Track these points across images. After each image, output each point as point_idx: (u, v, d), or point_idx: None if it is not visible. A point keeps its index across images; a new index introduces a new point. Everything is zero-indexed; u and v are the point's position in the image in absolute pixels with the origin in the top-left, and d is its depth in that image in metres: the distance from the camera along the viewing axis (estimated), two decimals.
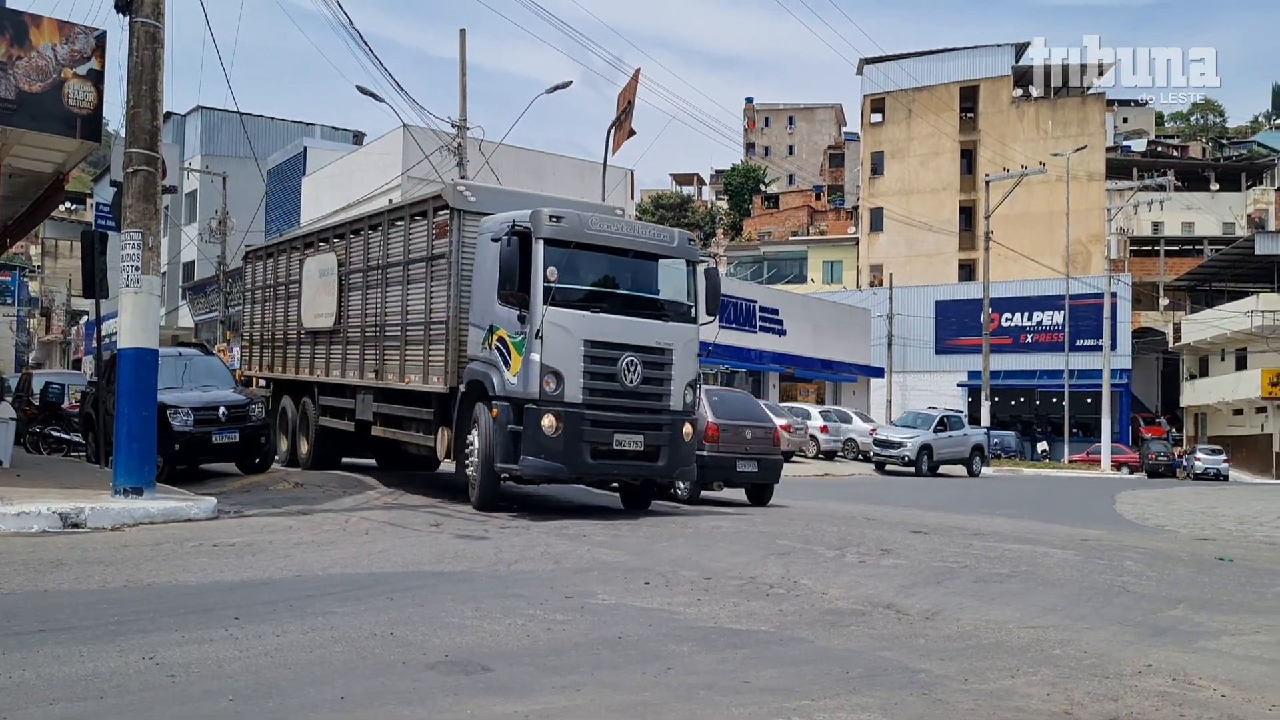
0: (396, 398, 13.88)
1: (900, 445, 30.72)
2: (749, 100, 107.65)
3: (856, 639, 5.72)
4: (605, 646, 5.17)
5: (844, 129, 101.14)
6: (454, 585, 6.93)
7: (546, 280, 11.26)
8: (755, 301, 41.59)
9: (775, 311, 42.32)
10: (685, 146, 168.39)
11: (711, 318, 12.62)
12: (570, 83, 26.20)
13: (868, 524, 12.75)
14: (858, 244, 68.83)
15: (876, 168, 66.61)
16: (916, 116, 63.59)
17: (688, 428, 12.22)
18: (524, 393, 11.23)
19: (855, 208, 75.46)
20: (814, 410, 36.10)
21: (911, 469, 30.46)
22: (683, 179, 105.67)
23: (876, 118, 67.22)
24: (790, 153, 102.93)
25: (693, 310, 12.53)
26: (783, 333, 42.24)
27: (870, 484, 24.79)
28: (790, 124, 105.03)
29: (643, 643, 5.32)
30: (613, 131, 24.42)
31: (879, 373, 52.02)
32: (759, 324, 41.09)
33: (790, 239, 78.66)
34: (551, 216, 11.41)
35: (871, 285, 62.42)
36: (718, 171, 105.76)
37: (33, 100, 11.29)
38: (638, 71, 24.84)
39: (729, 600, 6.77)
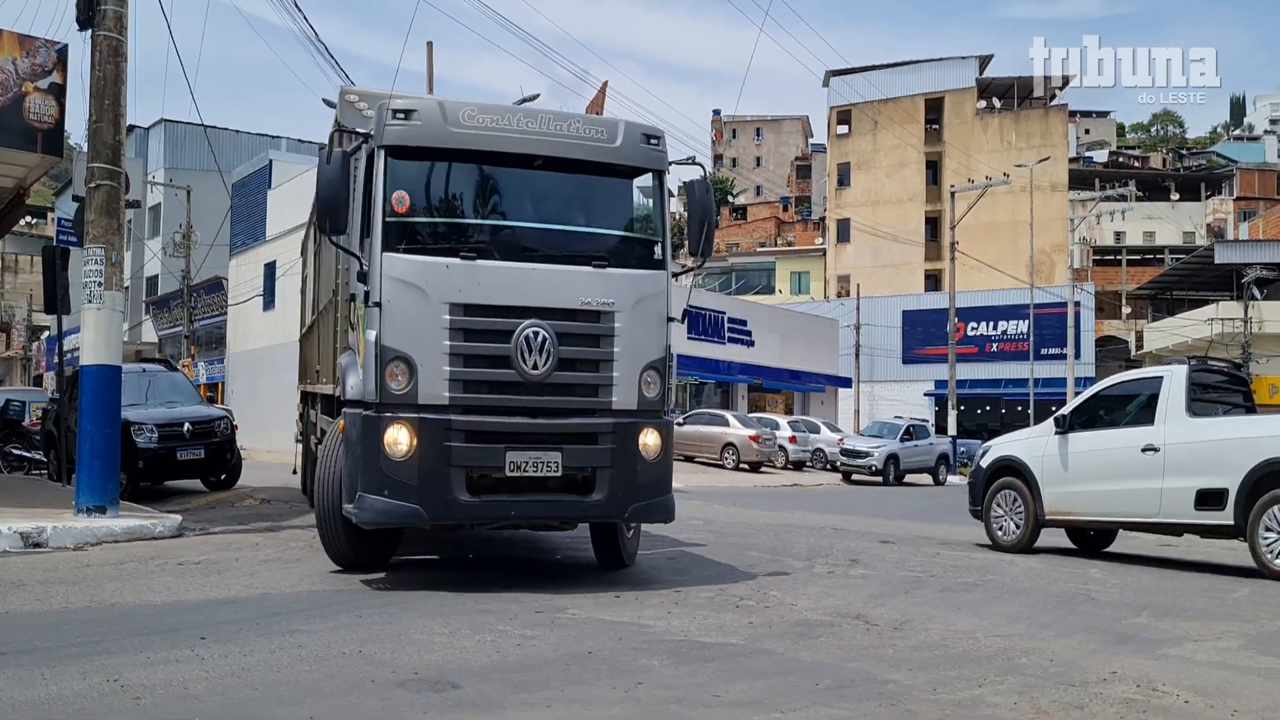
0: (320, 405, 11.20)
1: (867, 455, 30.86)
2: (716, 112, 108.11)
3: (826, 650, 5.75)
4: (575, 662, 5.17)
5: (811, 140, 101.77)
6: (423, 602, 6.90)
7: (393, 213, 7.30)
8: (724, 313, 41.71)
9: (744, 322, 42.48)
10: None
11: (700, 260, 8.18)
12: (538, 95, 26.26)
13: (836, 534, 12.81)
14: (825, 255, 69.24)
15: (843, 179, 67.10)
16: (882, 128, 64.14)
17: (650, 437, 7.60)
18: (363, 393, 7.27)
19: (822, 219, 75.92)
20: (783, 421, 36.23)
21: (879, 478, 30.61)
22: None
23: (843, 129, 67.72)
24: (758, 164, 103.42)
25: (656, 249, 7.89)
26: (751, 344, 42.40)
27: (838, 494, 24.90)
28: (758, 135, 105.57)
29: (613, 657, 5.32)
30: None
31: (847, 383, 52.33)
32: (727, 335, 41.21)
33: (758, 250, 79.01)
34: (398, 112, 7.34)
35: (839, 296, 62.78)
36: (686, 183, 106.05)
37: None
38: (605, 84, 24.99)
39: (699, 613, 6.79)
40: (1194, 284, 59.00)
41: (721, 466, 30.77)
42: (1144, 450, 10.28)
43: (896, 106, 63.93)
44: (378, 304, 7.17)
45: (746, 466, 30.93)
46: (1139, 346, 60.66)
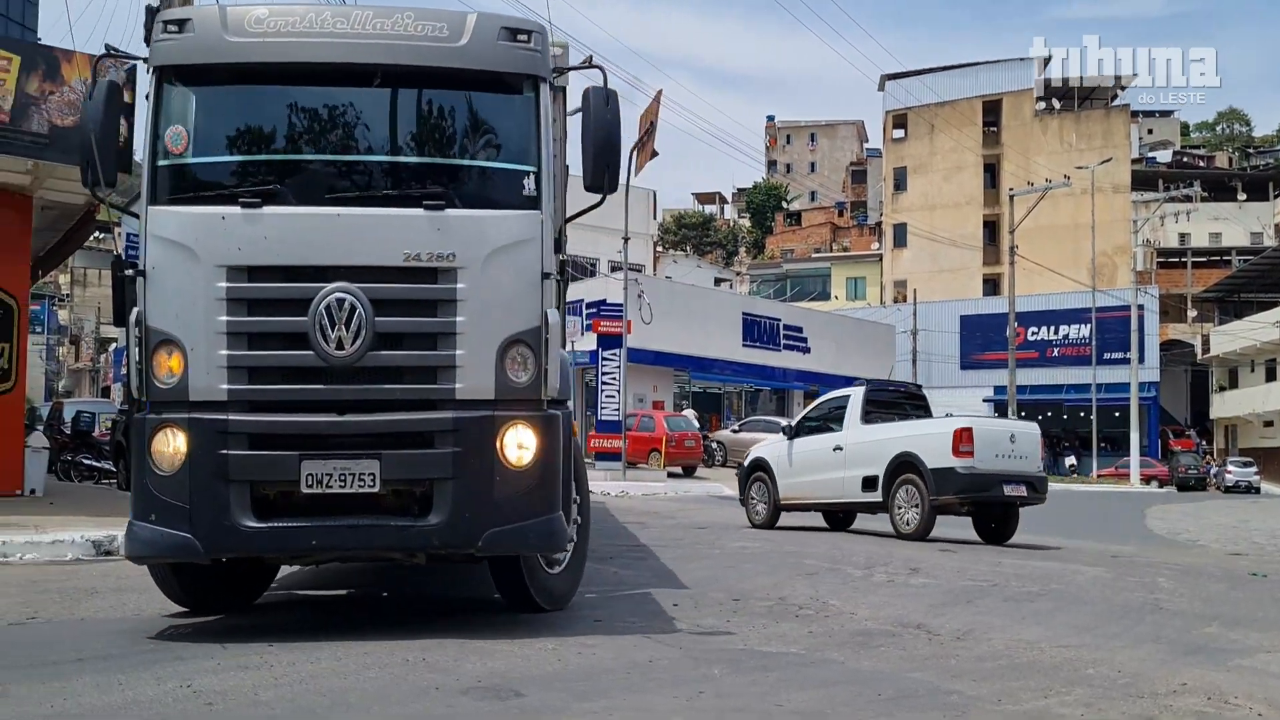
0: None
1: None
2: (770, 118, 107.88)
3: (887, 660, 5.71)
4: (636, 670, 5.19)
5: (866, 145, 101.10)
6: (484, 610, 6.96)
7: (167, 153, 5.82)
8: (779, 320, 41.61)
9: (799, 329, 42.33)
10: (706, 165, 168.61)
11: (600, 197, 6.04)
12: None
13: (894, 542, 12.69)
14: (881, 260, 68.74)
15: (899, 183, 66.61)
16: (939, 131, 63.57)
17: (517, 436, 5.74)
18: (135, 389, 5.75)
19: (878, 224, 75.38)
20: None
21: None
22: (705, 198, 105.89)
23: (899, 133, 67.23)
24: (812, 169, 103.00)
25: (527, 182, 5.94)
26: (807, 350, 42.23)
27: None
28: (812, 141, 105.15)
29: (674, 666, 5.34)
30: (635, 153, 24.53)
31: None
32: (783, 342, 41.11)
33: (813, 256, 78.67)
34: (170, 23, 5.83)
35: (895, 301, 62.27)
36: (739, 190, 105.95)
37: (64, 134, 11.50)
38: (659, 93, 25.01)
39: (758, 621, 6.77)
40: (1263, 286, 57.67)
41: None
42: (834, 449, 13.57)
43: (953, 109, 63.34)
44: (141, 273, 5.72)
45: None
46: (1205, 350, 59.43)
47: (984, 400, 54.55)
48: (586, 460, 28.55)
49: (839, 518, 15.00)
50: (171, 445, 5.56)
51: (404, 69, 5.86)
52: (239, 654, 5.26)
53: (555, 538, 5.92)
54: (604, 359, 28.37)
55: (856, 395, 13.87)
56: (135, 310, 5.71)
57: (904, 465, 12.65)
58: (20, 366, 14.21)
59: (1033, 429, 13.77)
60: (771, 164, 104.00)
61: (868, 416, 13.61)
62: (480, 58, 5.88)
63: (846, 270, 72.56)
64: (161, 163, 5.80)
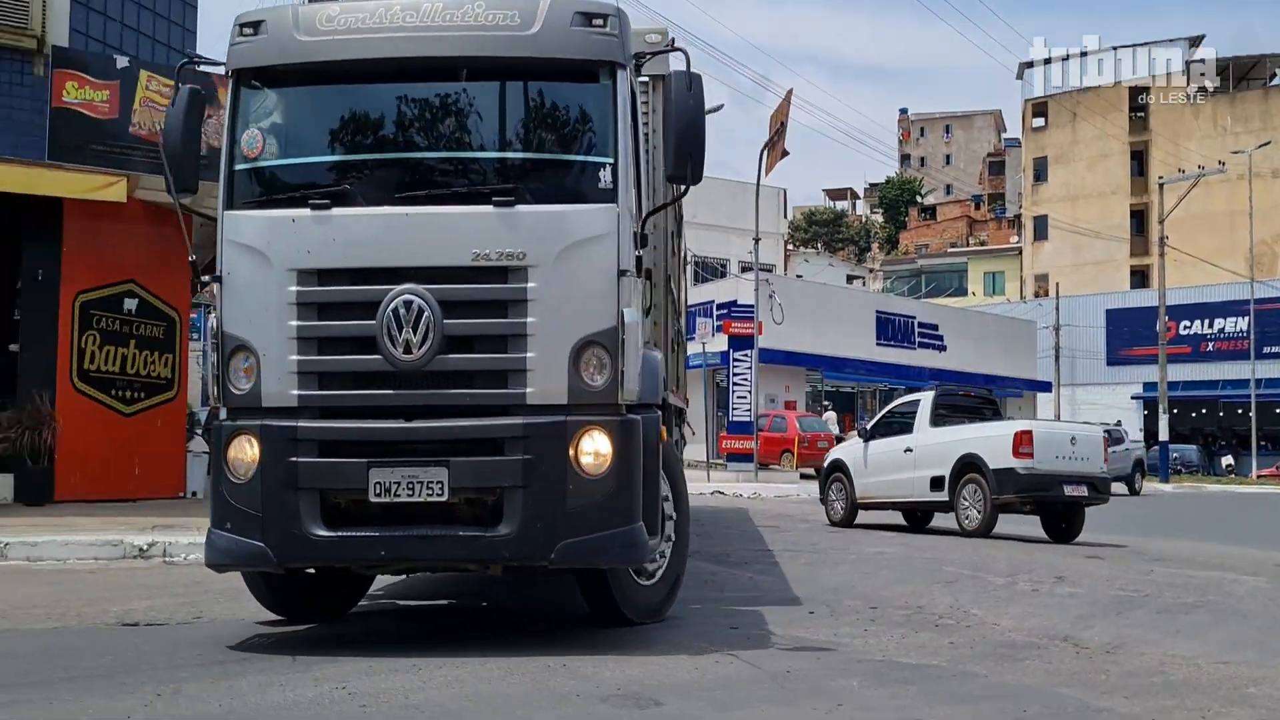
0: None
1: None
2: (903, 111, 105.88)
3: (1032, 674, 5.57)
4: (774, 681, 5.19)
5: (1004, 135, 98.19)
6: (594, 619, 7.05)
7: (244, 158, 5.84)
8: (914, 317, 40.85)
9: (935, 327, 41.45)
10: (837, 161, 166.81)
11: (682, 188, 6.01)
12: (721, 106, 26.40)
13: (1038, 548, 12.34)
14: (1020, 254, 66.67)
15: (1040, 174, 64.49)
16: (1082, 119, 61.31)
17: (592, 442, 5.51)
18: (216, 396, 5.82)
19: (1017, 216, 73.14)
20: None
21: None
22: (836, 194, 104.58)
23: (1039, 122, 65.09)
24: (947, 162, 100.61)
25: (603, 174, 5.69)
26: (943, 348, 41.32)
27: None
28: (947, 133, 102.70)
29: (812, 677, 5.32)
30: (765, 153, 24.44)
31: (1046, 387, 50.20)
32: (918, 340, 40.32)
33: (949, 251, 76.85)
34: (245, 26, 5.82)
35: (1036, 296, 60.31)
36: (871, 185, 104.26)
37: (217, 154, 12.10)
38: (790, 92, 24.89)
39: (897, 631, 6.69)
40: None
41: None
42: (905, 451, 14.29)
43: (1097, 95, 60.96)
44: (219, 278, 5.74)
45: None
46: None
47: (1132, 398, 52.36)
48: (717, 461, 28.68)
49: (917, 516, 15.44)
50: (245, 452, 5.54)
51: (473, 61, 5.67)
52: (389, 659, 5.47)
53: (635, 550, 5.61)
54: (735, 360, 28.33)
55: (926, 400, 14.76)
56: (213, 316, 5.79)
57: (968, 466, 13.36)
58: (182, 376, 15.03)
59: (1095, 432, 14.46)
60: (905, 158, 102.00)
61: (937, 420, 14.38)
62: (552, 45, 5.60)
63: (984, 265, 70.61)
64: (237, 167, 5.81)
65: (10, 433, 12.84)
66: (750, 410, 27.92)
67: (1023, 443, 12.96)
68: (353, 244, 5.55)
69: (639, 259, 5.69)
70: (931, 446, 13.96)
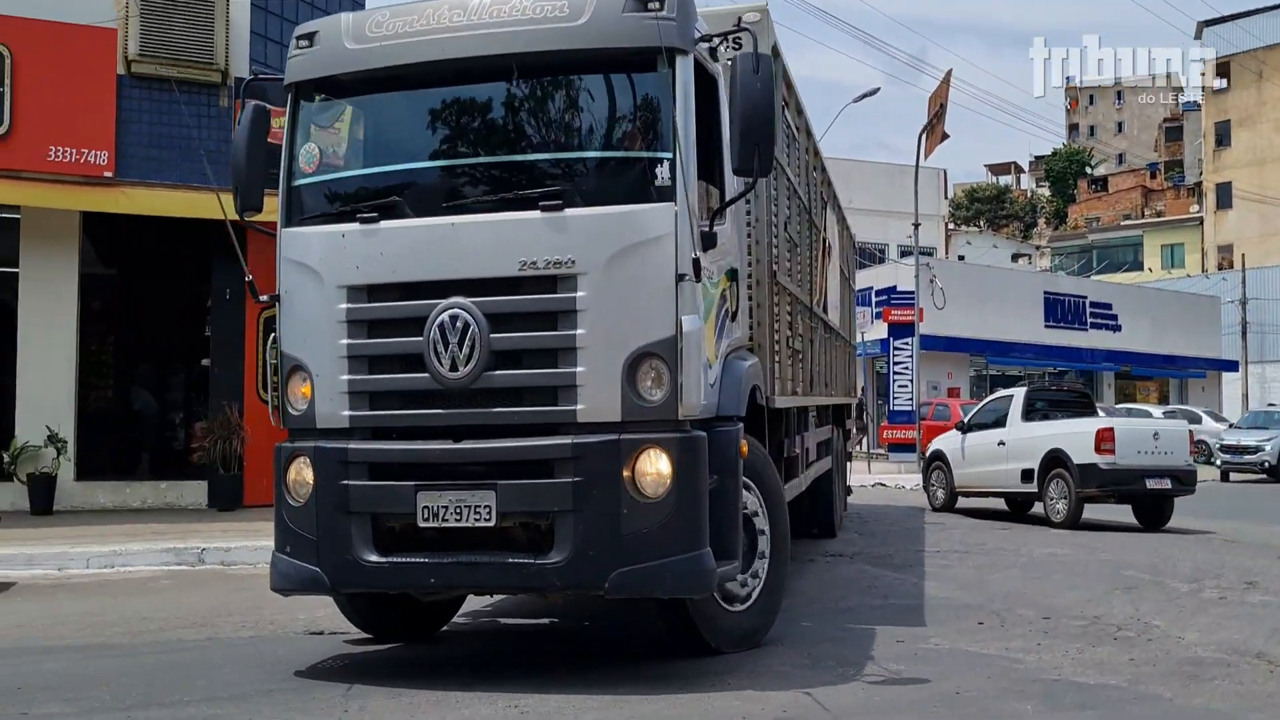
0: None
1: (1256, 450, 27.36)
2: (1069, 79, 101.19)
3: (1222, 696, 5.29)
4: (943, 703, 5.10)
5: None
6: (781, 624, 7.04)
7: (301, 173, 5.73)
8: (1085, 297, 39.09)
9: (1108, 306, 39.56)
10: (1000, 134, 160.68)
11: (749, 182, 5.42)
12: (878, 89, 25.93)
13: (1226, 548, 11.68)
14: (1201, 224, 62.94)
15: (1222, 138, 60.70)
16: (1268, 80, 57.30)
17: (651, 462, 5.12)
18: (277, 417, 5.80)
19: (1197, 184, 68.98)
20: (1156, 411, 33.32)
21: (1266, 476, 27.14)
22: (998, 169, 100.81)
23: (1220, 83, 61.10)
24: (1119, 130, 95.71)
25: (660, 171, 5.22)
26: (1117, 328, 39.40)
27: (1218, 494, 22.17)
28: (1118, 99, 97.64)
29: (982, 699, 5.20)
30: (924, 137, 23.82)
31: (1233, 366, 47.20)
32: (1090, 321, 38.59)
33: (1122, 223, 73.17)
34: (301, 37, 5.74)
35: (1219, 269, 56.80)
36: (1037, 158, 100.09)
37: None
38: (949, 73, 24.18)
39: (1072, 645, 6.46)
40: None
41: None
42: (998, 444, 15.06)
43: None
44: (278, 298, 5.68)
45: None
46: None
47: None
48: (879, 452, 28.15)
49: (1018, 502, 15.92)
50: (303, 475, 5.44)
51: (520, 58, 5.32)
52: (558, 675, 5.62)
53: (699, 579, 5.13)
54: (895, 348, 27.75)
55: (1018, 395, 15.66)
56: (272, 335, 5.71)
57: (1054, 460, 13.89)
58: None
59: (1179, 427, 15.44)
60: (1073, 128, 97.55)
61: (1028, 415, 15.12)
62: (603, 35, 5.16)
63: (1161, 237, 66.90)
64: (295, 183, 5.68)
65: (204, 442, 13.71)
66: (911, 399, 27.30)
67: (1104, 439, 13.52)
68: (400, 257, 5.32)
69: (696, 261, 5.09)
70: (1022, 440, 14.66)
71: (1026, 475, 14.34)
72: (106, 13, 13.55)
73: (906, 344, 27.00)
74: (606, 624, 7.40)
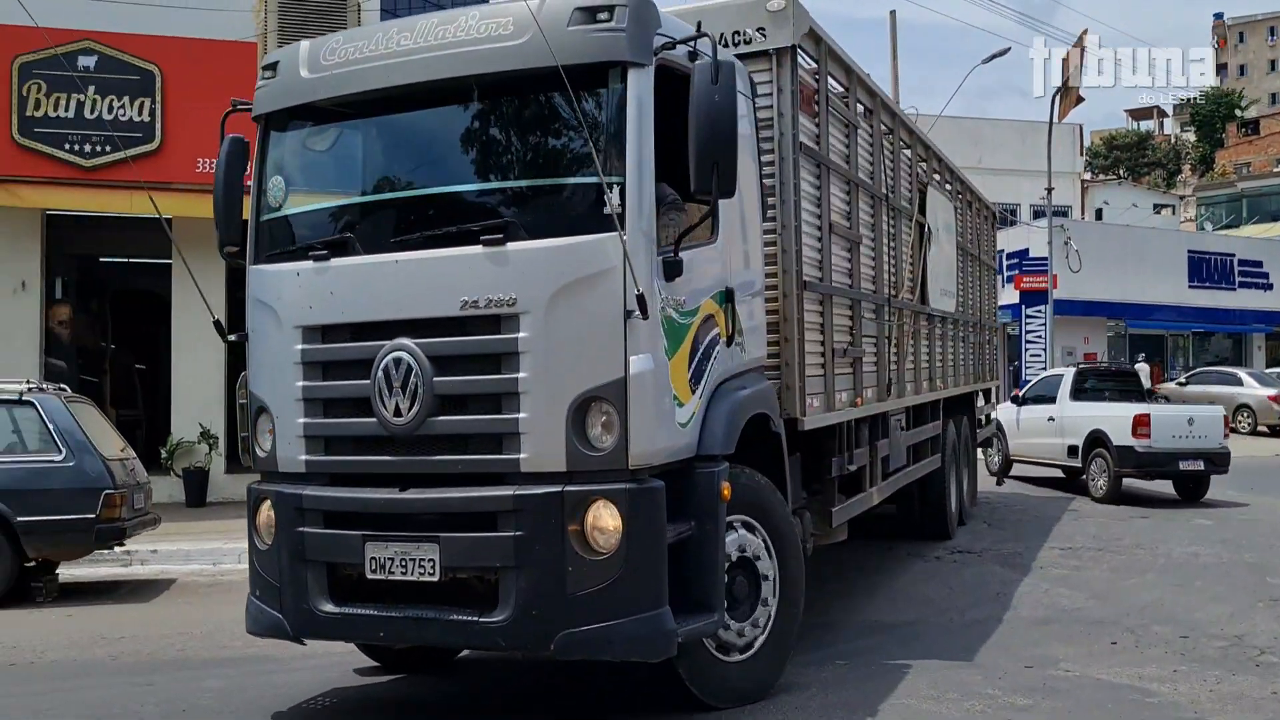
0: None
1: None
2: (1218, 15, 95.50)
3: None
4: None
5: None
6: (903, 644, 7.01)
7: (269, 207, 5.57)
8: (1232, 255, 37.14)
9: (1258, 264, 37.50)
10: (1140, 77, 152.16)
11: (707, 205, 4.95)
12: (1008, 49, 24.91)
13: None
14: None
15: None
16: None
17: (599, 517, 4.72)
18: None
19: None
20: None
21: None
22: (1139, 113, 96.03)
23: None
24: (1272, 69, 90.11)
25: (610, 195, 4.67)
26: (1268, 287, 37.36)
27: None
28: (1271, 35, 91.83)
29: None
30: (1058, 98, 22.92)
31: None
32: (1238, 280, 36.67)
33: (1275, 170, 69.06)
34: (266, 68, 5.59)
35: None
36: (1182, 101, 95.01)
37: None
38: (1084, 33, 23.15)
39: (1211, 673, 6.26)
40: None
41: (1235, 431, 27.50)
42: (1048, 420, 16.19)
43: None
44: (245, 336, 5.59)
45: (1266, 431, 27.42)
46: None
47: None
48: None
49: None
50: (267, 519, 5.32)
51: (462, 82, 4.99)
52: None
53: (655, 642, 4.72)
54: (1028, 316, 26.93)
55: (1068, 375, 16.75)
56: (242, 374, 5.66)
57: (1096, 440, 14.93)
58: None
59: (1214, 412, 15.60)
60: (1221, 68, 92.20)
61: (1077, 394, 16.20)
62: (546, 53, 4.67)
63: None
64: (261, 218, 5.55)
65: None
66: (1045, 367, 26.52)
67: (1141, 424, 14.42)
68: (349, 297, 5.12)
69: (640, 298, 4.61)
70: (1069, 418, 15.77)
71: (1072, 451, 15.57)
72: (247, 29, 14.16)
73: (1039, 311, 26.18)
74: None
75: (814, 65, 6.85)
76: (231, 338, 5.67)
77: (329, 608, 5.08)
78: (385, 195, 5.43)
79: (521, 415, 4.74)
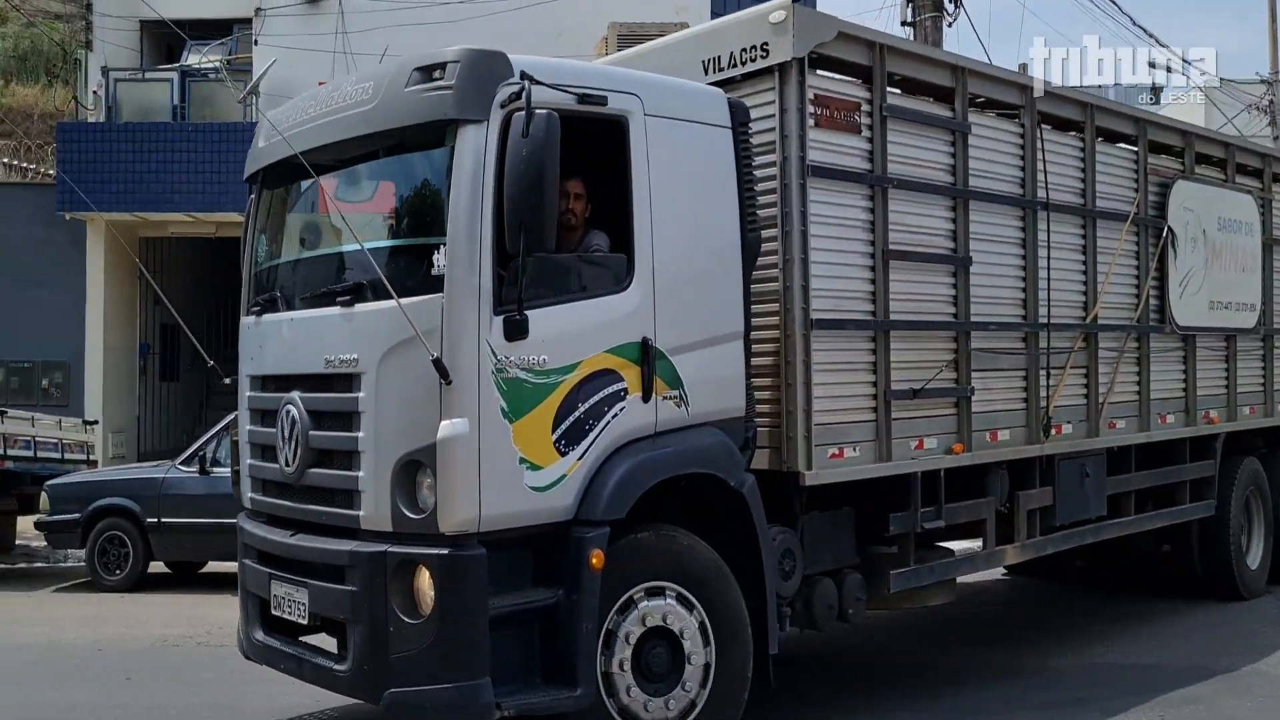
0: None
1: None
2: None
3: None
4: None
5: None
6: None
7: (252, 263, 5.99)
8: None
9: None
10: None
11: (517, 263, 4.61)
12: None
13: None
14: None
15: None
16: None
17: (417, 582, 4.66)
18: None
19: None
20: None
21: None
22: None
23: None
24: None
25: (438, 257, 4.69)
26: None
27: None
28: None
29: None
30: None
31: None
32: None
33: None
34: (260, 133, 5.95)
35: None
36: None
37: None
38: None
39: None
40: None
41: None
42: None
43: None
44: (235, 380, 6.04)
45: None
46: None
47: None
48: None
49: None
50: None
51: (332, 148, 5.12)
52: None
53: (468, 712, 4.54)
54: None
55: None
56: (233, 414, 6.14)
57: None
58: None
59: None
60: None
61: None
62: (389, 115, 4.79)
63: None
64: (248, 273, 5.98)
65: None
66: None
67: None
68: (268, 350, 5.53)
69: (438, 361, 4.50)
70: None
71: None
72: None
73: None
74: None
75: (851, 75, 6.13)
76: (225, 381, 6.12)
77: (259, 635, 5.46)
78: (287, 258, 5.79)
79: (360, 473, 4.80)
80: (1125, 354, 8.00)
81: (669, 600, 5.04)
